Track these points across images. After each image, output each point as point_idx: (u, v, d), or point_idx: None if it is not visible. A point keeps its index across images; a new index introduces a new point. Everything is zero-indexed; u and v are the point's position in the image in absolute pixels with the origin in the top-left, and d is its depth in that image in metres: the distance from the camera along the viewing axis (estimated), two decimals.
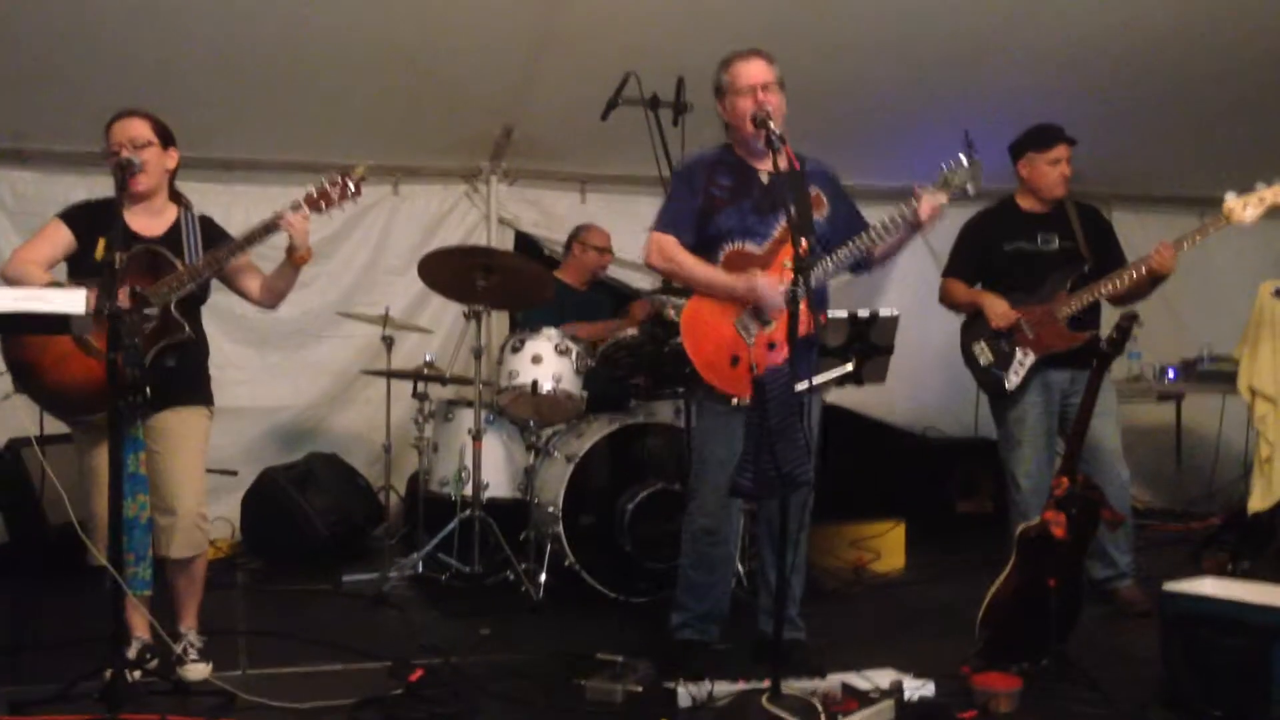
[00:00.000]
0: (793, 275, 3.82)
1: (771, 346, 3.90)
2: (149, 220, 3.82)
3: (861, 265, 4.07)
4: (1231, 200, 4.60)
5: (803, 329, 3.85)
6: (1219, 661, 3.46)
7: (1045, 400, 4.84)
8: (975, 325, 5.00)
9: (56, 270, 3.79)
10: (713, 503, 3.98)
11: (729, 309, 3.93)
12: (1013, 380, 4.84)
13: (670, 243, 4.00)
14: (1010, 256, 4.95)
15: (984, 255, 5.04)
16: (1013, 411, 4.89)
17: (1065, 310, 4.77)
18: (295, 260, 3.87)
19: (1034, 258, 4.92)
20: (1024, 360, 4.82)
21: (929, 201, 3.82)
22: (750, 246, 3.96)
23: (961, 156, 3.85)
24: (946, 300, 5.17)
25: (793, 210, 3.72)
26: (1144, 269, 4.69)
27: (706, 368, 3.92)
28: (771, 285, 3.85)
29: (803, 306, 3.82)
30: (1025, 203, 5.02)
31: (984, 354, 4.92)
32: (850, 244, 3.89)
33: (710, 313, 3.95)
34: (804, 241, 3.57)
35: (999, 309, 4.85)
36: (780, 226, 3.94)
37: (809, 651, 3.97)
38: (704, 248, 4.01)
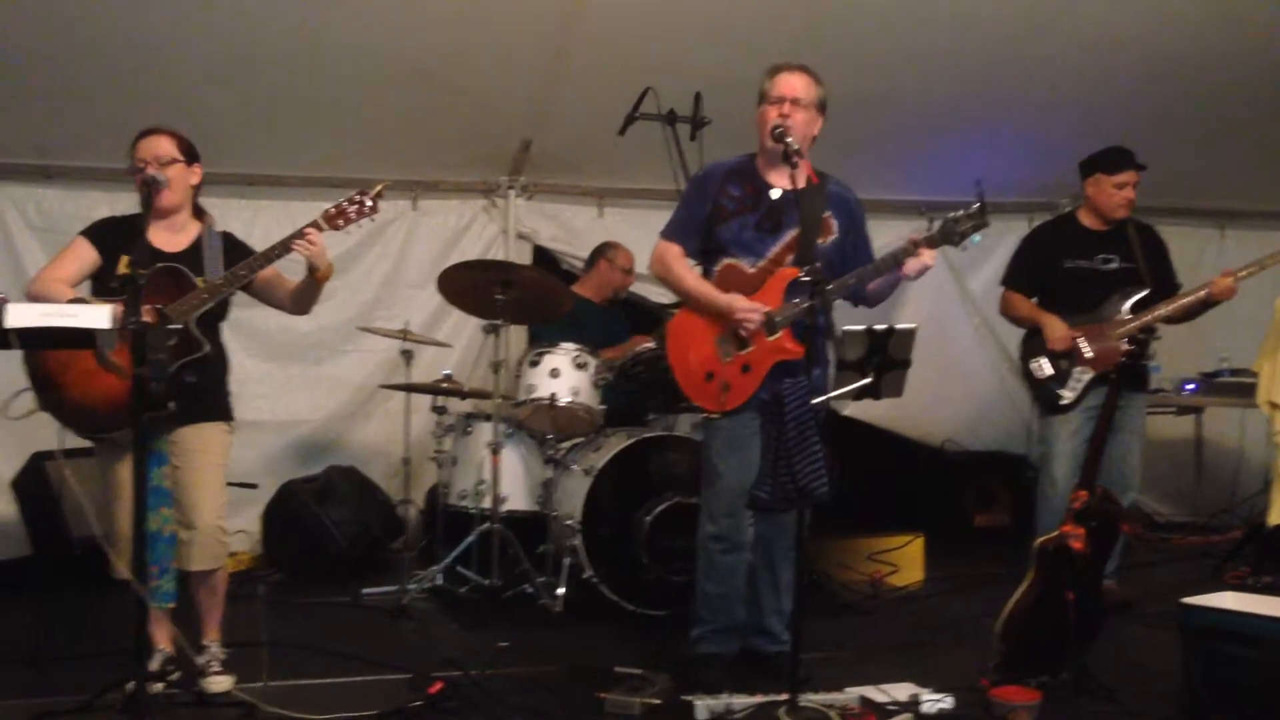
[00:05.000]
0: (779, 304, 3.88)
1: (746, 369, 3.93)
2: (171, 236, 3.86)
3: (852, 299, 4.08)
4: None
5: (782, 355, 3.89)
6: (1239, 675, 3.45)
7: (1095, 411, 4.91)
8: (1035, 341, 5.14)
9: (81, 288, 3.83)
10: (718, 509, 4.00)
11: (714, 325, 3.98)
12: (1069, 396, 4.99)
13: (672, 252, 4.08)
14: (1070, 274, 5.09)
15: (1044, 270, 5.18)
16: (1060, 419, 5.03)
17: (1123, 330, 4.86)
18: (316, 278, 3.91)
19: (1094, 276, 5.06)
20: (1081, 377, 4.97)
21: (916, 262, 3.80)
22: (743, 264, 3.98)
23: (973, 208, 3.77)
24: (1007, 312, 5.33)
25: (800, 231, 3.74)
26: (1202, 297, 4.87)
27: (684, 378, 4.03)
28: (753, 314, 3.87)
29: (785, 334, 3.88)
30: (1087, 220, 5.17)
31: (1043, 369, 5.07)
32: (840, 279, 3.86)
33: (695, 326, 4.03)
34: (817, 264, 3.60)
35: (1058, 331, 5.00)
36: (778, 247, 3.96)
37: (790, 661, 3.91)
38: (705, 258, 4.09)
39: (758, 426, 3.96)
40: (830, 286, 3.75)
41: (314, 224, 3.81)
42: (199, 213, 3.99)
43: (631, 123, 4.81)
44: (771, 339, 3.90)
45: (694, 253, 4.09)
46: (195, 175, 3.93)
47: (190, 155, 3.90)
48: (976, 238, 3.81)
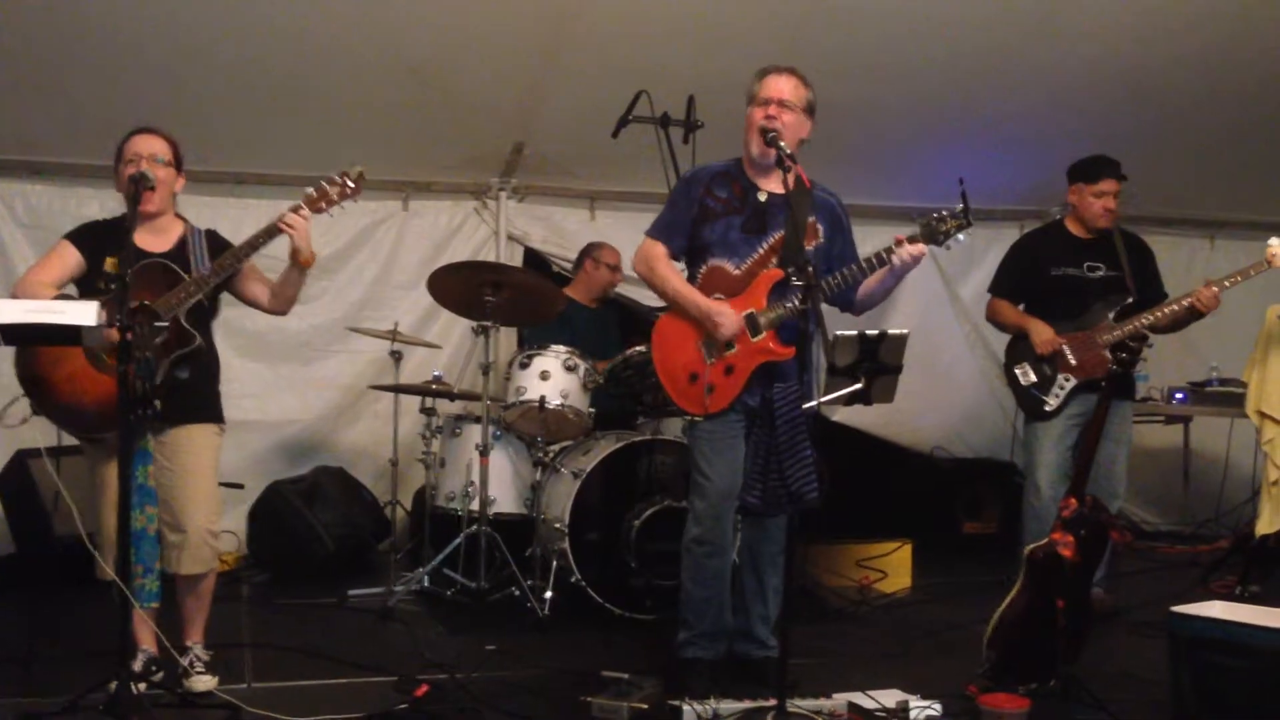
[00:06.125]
0: (763, 305, 3.88)
1: (729, 371, 3.93)
2: (155, 238, 3.84)
3: (840, 303, 4.07)
4: (1275, 244, 4.76)
5: (766, 357, 3.89)
6: (1227, 684, 3.45)
7: (1078, 418, 4.97)
8: (1020, 347, 5.16)
9: (66, 291, 3.81)
10: (704, 512, 3.99)
11: (697, 327, 3.97)
12: (1052, 403, 5.01)
13: (656, 251, 4.06)
14: (1057, 281, 5.10)
15: (1030, 277, 5.20)
16: (1044, 426, 5.04)
17: (1108, 338, 4.86)
18: (300, 263, 3.88)
19: (1080, 284, 5.07)
20: (1065, 384, 4.99)
21: (905, 251, 3.78)
22: (728, 266, 3.97)
23: (957, 208, 3.78)
24: (994, 318, 5.35)
25: (784, 234, 3.74)
26: (1186, 306, 4.86)
27: (667, 380, 4.03)
28: (728, 321, 3.87)
29: (769, 335, 3.88)
30: (1074, 228, 5.20)
31: (1026, 375, 5.09)
32: (824, 280, 3.84)
33: (679, 328, 4.02)
34: (809, 267, 3.59)
35: (1044, 336, 5.02)
36: (763, 249, 3.96)
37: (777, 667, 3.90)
38: (690, 259, 4.08)
39: (742, 429, 3.96)
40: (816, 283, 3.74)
41: (295, 208, 3.80)
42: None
43: (624, 125, 4.80)
44: (756, 340, 3.90)
45: (679, 253, 4.08)
46: (180, 183, 3.93)
47: (179, 162, 3.89)
48: (961, 237, 3.80)
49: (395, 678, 3.95)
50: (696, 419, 3.97)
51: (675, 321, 4.04)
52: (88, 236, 3.84)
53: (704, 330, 3.95)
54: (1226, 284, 4.84)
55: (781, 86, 3.92)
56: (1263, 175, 6.71)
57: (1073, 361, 4.97)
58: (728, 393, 3.93)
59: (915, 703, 3.68)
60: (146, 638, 3.82)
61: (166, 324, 3.64)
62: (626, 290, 6.23)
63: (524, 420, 5.24)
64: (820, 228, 4.02)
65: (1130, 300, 4.97)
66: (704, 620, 4.04)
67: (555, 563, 5.05)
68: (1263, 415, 5.22)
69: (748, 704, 3.62)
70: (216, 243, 3.95)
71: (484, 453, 5.08)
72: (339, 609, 5.14)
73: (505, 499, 5.31)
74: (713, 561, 4.01)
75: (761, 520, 4.03)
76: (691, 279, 4.05)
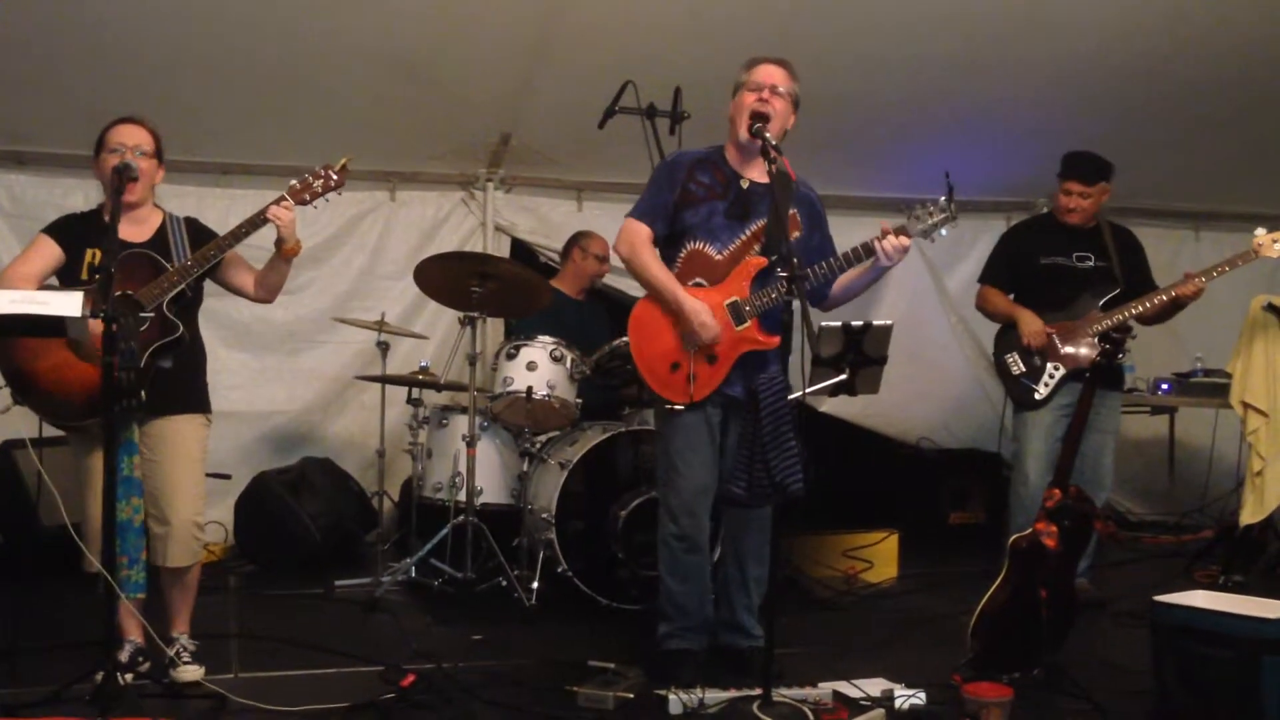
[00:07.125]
0: (746, 294, 3.88)
1: (711, 360, 3.91)
2: (135, 228, 3.82)
3: (814, 297, 4.06)
4: (1261, 235, 4.78)
5: (749, 346, 3.89)
6: (1210, 674, 3.47)
7: (1066, 408, 4.97)
8: (1009, 336, 5.19)
9: (49, 283, 3.79)
10: (680, 508, 3.98)
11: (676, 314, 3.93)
12: (1042, 391, 5.05)
13: (640, 233, 3.98)
14: (1046, 270, 5.13)
15: (1020, 265, 5.23)
16: (1033, 416, 5.08)
17: (1096, 328, 4.91)
18: (284, 253, 3.88)
19: (1069, 274, 5.10)
20: (1054, 373, 5.03)
21: (889, 243, 3.78)
22: (710, 250, 3.95)
23: (941, 200, 3.80)
24: (983, 306, 5.37)
25: (768, 222, 3.73)
26: (1171, 296, 4.88)
27: (647, 370, 3.97)
28: (704, 320, 3.84)
29: (753, 324, 3.88)
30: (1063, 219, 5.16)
31: (1016, 365, 5.13)
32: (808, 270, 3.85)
33: (658, 316, 3.96)
34: (794, 259, 3.59)
35: (1033, 327, 5.04)
36: (745, 236, 3.95)
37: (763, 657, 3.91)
38: (669, 242, 4.03)
39: (718, 421, 3.96)
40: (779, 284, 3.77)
41: (279, 199, 3.80)
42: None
43: (611, 116, 4.80)
44: (740, 329, 3.90)
45: (661, 237, 4.01)
46: (160, 175, 3.92)
47: (161, 154, 3.88)
48: (944, 230, 3.81)
49: (382, 668, 3.96)
50: (677, 407, 3.94)
51: (654, 309, 3.97)
52: (66, 229, 3.83)
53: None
54: (1215, 274, 4.86)
55: (774, 74, 3.93)
56: (1248, 167, 6.74)
57: (1061, 351, 5.00)
58: (711, 381, 3.91)
59: (900, 691, 3.70)
60: (133, 628, 3.82)
61: (151, 314, 3.63)
62: (613, 281, 6.22)
63: (511, 411, 5.24)
64: (800, 219, 4.02)
65: (1118, 290, 5.00)
66: (685, 615, 4.04)
67: (542, 553, 5.05)
68: (1247, 406, 5.24)
69: (733, 693, 3.63)
70: (197, 230, 3.94)
71: (471, 443, 5.08)
72: (326, 599, 5.14)
73: (492, 489, 5.31)
74: (692, 557, 4.01)
75: (745, 511, 4.03)
76: (670, 261, 4.00)
